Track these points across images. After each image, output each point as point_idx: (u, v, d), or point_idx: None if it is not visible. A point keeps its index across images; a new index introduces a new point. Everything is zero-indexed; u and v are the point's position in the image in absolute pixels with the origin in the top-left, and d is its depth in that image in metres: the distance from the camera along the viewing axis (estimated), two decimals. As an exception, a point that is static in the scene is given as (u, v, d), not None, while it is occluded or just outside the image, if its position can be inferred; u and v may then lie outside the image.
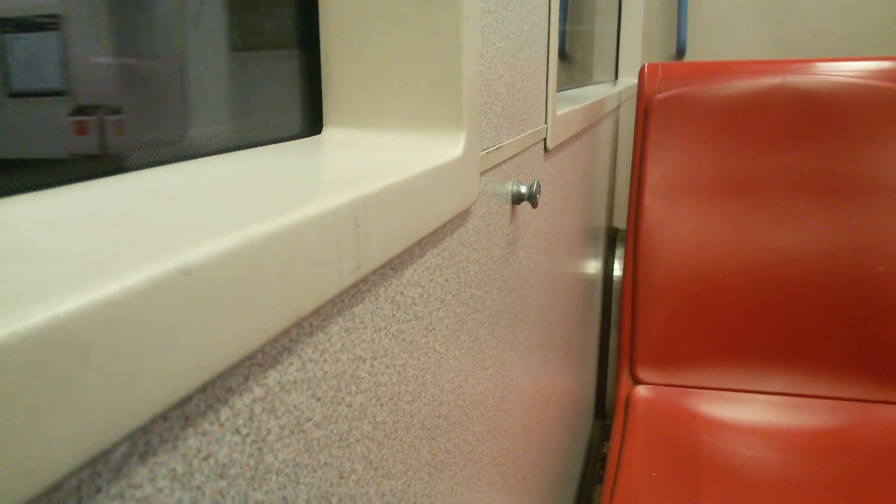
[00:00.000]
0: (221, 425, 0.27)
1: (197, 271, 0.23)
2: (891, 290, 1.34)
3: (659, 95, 1.47)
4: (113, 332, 0.20)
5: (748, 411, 1.35)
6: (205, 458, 0.26)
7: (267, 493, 0.30)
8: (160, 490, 0.24)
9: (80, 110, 0.35)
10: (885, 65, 1.39)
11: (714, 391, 1.40)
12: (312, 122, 0.52)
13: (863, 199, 1.37)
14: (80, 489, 0.21)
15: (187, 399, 0.25)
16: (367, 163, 0.42)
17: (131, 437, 0.22)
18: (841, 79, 1.39)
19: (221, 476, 0.27)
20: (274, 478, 0.30)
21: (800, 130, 1.41)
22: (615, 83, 2.09)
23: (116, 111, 0.37)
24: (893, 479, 1.13)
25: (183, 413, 0.25)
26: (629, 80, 2.20)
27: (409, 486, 0.46)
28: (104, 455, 0.21)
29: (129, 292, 0.21)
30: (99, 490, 0.21)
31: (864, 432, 1.27)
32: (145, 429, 0.23)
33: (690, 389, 1.41)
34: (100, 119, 0.36)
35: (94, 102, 0.36)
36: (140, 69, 0.39)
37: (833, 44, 2.13)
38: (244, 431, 0.28)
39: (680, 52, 2.24)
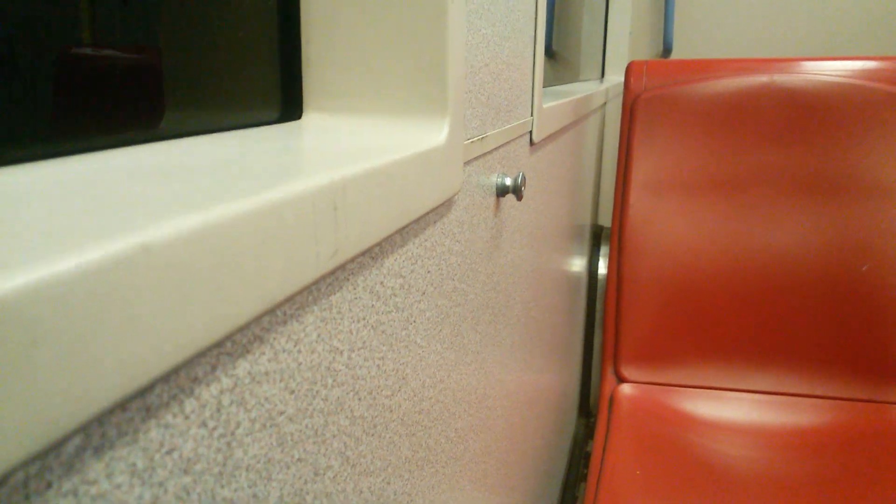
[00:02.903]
0: (186, 417, 0.25)
1: (161, 249, 0.22)
2: (874, 289, 1.35)
3: (645, 93, 1.46)
4: (66, 311, 0.19)
5: (733, 410, 1.35)
6: (168, 453, 0.24)
7: (236, 489, 0.28)
8: (118, 486, 0.22)
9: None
10: (871, 64, 1.39)
11: (698, 389, 1.40)
12: (293, 107, 0.50)
13: (847, 197, 1.37)
14: (27, 485, 0.19)
15: (149, 388, 0.23)
16: (347, 147, 0.40)
17: (86, 429, 0.21)
18: (827, 78, 1.39)
19: (186, 472, 0.25)
20: (244, 474, 0.29)
21: (786, 129, 1.41)
22: (602, 81, 2.08)
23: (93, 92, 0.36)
24: (877, 477, 1.13)
25: (144, 403, 0.23)
26: (616, 77, 2.20)
27: (388, 483, 0.45)
28: (55, 447, 0.20)
29: (84, 268, 0.19)
30: (49, 486, 0.20)
31: (849, 430, 1.27)
32: (101, 419, 0.21)
33: (674, 388, 1.41)
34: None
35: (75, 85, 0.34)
36: (108, 49, 0.37)
37: (820, 43, 2.14)
38: (211, 424, 0.26)
39: (667, 50, 2.23)
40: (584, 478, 1.60)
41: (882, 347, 1.34)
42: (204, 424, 0.26)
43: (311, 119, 0.50)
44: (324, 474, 0.36)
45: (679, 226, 1.44)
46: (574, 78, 1.97)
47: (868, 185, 1.36)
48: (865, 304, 1.35)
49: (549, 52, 1.70)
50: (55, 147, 0.33)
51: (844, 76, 1.38)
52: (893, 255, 1.34)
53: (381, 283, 0.41)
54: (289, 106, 0.49)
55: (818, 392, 1.36)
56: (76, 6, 0.35)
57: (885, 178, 1.36)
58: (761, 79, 1.42)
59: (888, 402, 1.32)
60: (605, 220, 2.13)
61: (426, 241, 0.48)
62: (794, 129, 1.40)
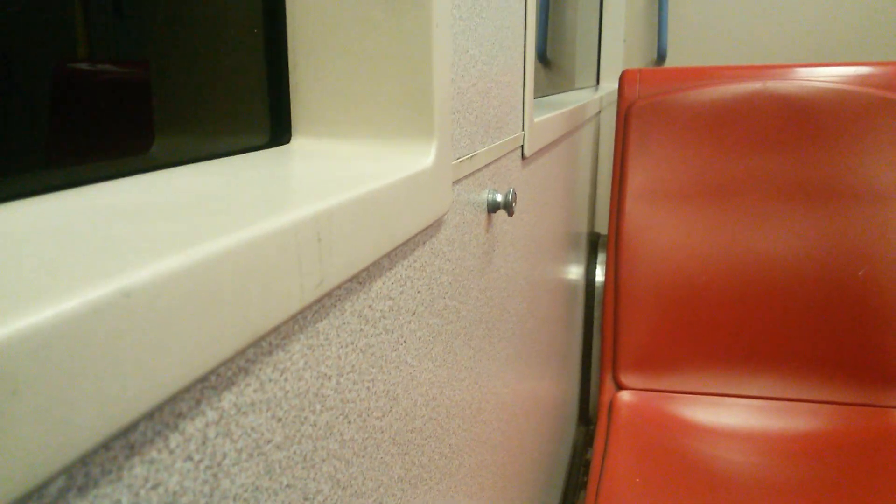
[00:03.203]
0: (171, 452, 0.25)
1: (140, 293, 0.22)
2: (870, 294, 1.35)
3: (639, 101, 1.47)
4: (45, 361, 0.19)
5: (731, 415, 1.35)
6: (153, 488, 0.25)
7: (223, 519, 0.29)
8: None
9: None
10: (864, 70, 1.39)
11: (697, 396, 1.40)
12: (281, 132, 0.51)
13: (842, 203, 1.38)
14: None
15: (132, 427, 0.24)
16: (334, 174, 0.41)
17: (68, 470, 0.21)
18: (820, 84, 1.39)
19: None
20: (231, 503, 0.29)
21: (780, 135, 1.41)
22: (596, 88, 2.09)
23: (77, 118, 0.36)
24: (874, 482, 1.13)
25: (127, 441, 0.23)
26: (611, 85, 2.21)
27: (380, 503, 0.45)
28: (38, 490, 0.20)
29: (63, 318, 0.20)
30: None
31: (846, 435, 1.27)
32: (84, 460, 0.22)
33: (673, 394, 1.41)
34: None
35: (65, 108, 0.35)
36: (97, 74, 0.38)
37: (812, 49, 2.14)
38: (197, 457, 0.27)
39: (661, 58, 2.24)
40: (584, 485, 1.60)
41: (879, 351, 1.34)
42: (189, 458, 0.26)
43: (300, 144, 0.50)
44: (313, 499, 0.36)
45: (675, 233, 1.44)
46: (570, 85, 1.98)
47: (863, 189, 1.37)
48: (862, 308, 1.35)
49: (544, 61, 1.71)
50: (50, 181, 0.34)
51: (837, 82, 1.39)
52: (890, 259, 1.35)
53: (370, 306, 0.42)
54: (277, 131, 0.50)
55: (816, 397, 1.36)
56: (67, 32, 0.35)
57: (880, 182, 1.36)
58: (755, 85, 1.42)
59: (886, 406, 1.32)
60: (602, 227, 2.14)
61: (415, 262, 0.48)
62: (788, 136, 1.41)
